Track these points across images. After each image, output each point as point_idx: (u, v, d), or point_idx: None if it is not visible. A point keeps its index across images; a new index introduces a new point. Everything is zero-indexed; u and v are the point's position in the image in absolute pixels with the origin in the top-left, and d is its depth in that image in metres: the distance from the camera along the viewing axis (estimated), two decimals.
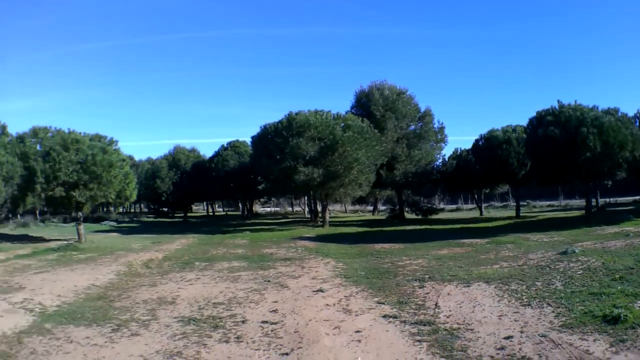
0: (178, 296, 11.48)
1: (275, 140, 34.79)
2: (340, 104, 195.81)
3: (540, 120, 29.87)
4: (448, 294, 10.63)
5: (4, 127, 25.61)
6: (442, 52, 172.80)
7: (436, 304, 9.79)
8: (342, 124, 35.02)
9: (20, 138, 26.73)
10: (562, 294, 9.54)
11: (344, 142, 33.33)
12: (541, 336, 7.33)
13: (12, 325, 8.99)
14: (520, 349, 6.90)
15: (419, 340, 7.55)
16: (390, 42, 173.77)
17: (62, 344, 7.86)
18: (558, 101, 29.73)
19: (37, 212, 52.33)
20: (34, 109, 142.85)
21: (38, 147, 26.42)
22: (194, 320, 9.03)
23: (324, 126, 33.94)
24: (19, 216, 45.32)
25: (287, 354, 7.05)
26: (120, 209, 71.17)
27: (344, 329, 8.33)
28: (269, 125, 36.96)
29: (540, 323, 8.00)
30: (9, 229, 39.47)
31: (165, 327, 8.69)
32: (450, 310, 9.28)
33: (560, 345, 6.89)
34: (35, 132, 26.73)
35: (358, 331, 8.17)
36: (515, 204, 44.72)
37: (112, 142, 28.08)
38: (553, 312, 8.49)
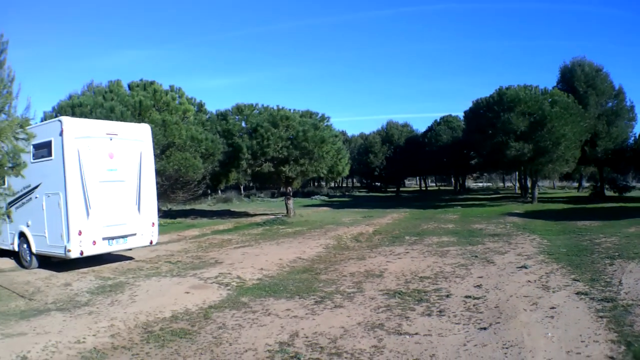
0: (386, 269, 11.31)
1: (487, 115, 35.40)
2: (540, 78, 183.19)
3: None
4: (630, 271, 10.37)
5: (200, 105, 26.69)
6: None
7: (620, 281, 9.52)
8: (549, 99, 34.06)
9: (222, 115, 27.67)
10: None
11: (552, 117, 32.39)
12: None
13: (199, 301, 9.08)
14: None
15: (601, 317, 7.34)
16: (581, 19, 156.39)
17: (258, 317, 7.83)
18: None
19: (242, 187, 54.88)
20: (232, 86, 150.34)
21: (242, 124, 27.19)
22: (399, 294, 8.88)
23: (532, 101, 33.56)
24: (219, 192, 47.23)
25: (485, 328, 6.89)
26: (332, 184, 73.07)
27: (540, 305, 8.11)
28: (480, 100, 37.80)
29: None
30: (207, 204, 41.23)
31: (370, 299, 8.57)
32: (629, 287, 9.01)
33: None
34: (239, 109, 27.53)
35: (552, 307, 7.97)
36: None
37: (323, 118, 28.41)
38: None
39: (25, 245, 13.09)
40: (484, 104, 36.72)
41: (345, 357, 5.93)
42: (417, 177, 74.98)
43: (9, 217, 11.03)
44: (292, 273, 11.50)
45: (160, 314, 8.26)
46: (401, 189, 63.99)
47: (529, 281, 9.92)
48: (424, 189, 71.55)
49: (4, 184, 10.90)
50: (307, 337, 6.74)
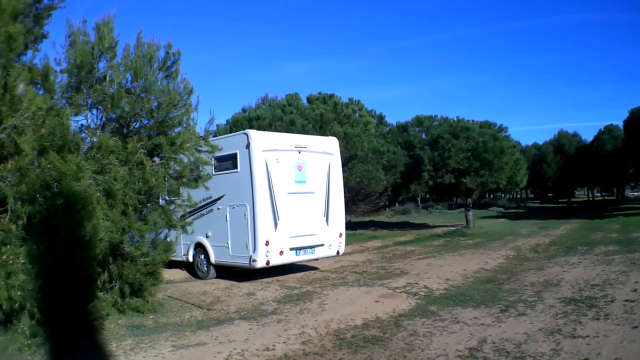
0: (562, 279, 11.00)
1: None
2: None
3: None
4: None
5: (381, 117, 26.44)
6: None
7: None
8: None
9: (403, 127, 27.31)
10: None
11: None
12: None
13: (389, 309, 8.72)
14: None
15: None
16: None
17: (447, 325, 7.60)
18: None
19: (418, 199, 53.92)
20: (406, 97, 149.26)
21: (422, 136, 26.52)
22: (573, 301, 8.79)
23: None
24: (396, 204, 46.15)
25: (636, 327, 7.03)
26: (506, 195, 70.20)
27: None
28: (635, 110, 35.45)
29: None
30: (385, 216, 40.78)
31: (549, 307, 8.45)
32: None
33: None
34: (419, 121, 26.95)
35: None
36: None
37: (501, 128, 27.14)
38: None
39: (202, 256, 12.78)
40: (637, 113, 34.00)
41: None
42: (585, 187, 69.59)
43: (184, 228, 10.52)
44: (476, 283, 11.08)
45: (351, 322, 7.97)
46: (571, 199, 59.59)
47: None
48: (591, 198, 67.05)
49: (180, 195, 10.33)
50: (494, 343, 6.63)
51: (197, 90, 9.84)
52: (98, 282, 7.98)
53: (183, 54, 9.69)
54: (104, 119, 8.71)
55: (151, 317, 8.60)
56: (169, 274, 12.20)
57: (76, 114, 8.15)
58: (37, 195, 6.03)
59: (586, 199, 69.33)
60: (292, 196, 11.91)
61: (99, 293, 8.08)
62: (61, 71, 8.20)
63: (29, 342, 6.27)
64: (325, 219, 12.66)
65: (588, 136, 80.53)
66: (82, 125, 8.72)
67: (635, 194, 72.53)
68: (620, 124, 42.79)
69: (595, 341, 6.50)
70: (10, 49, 5.95)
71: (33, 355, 6.28)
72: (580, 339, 6.61)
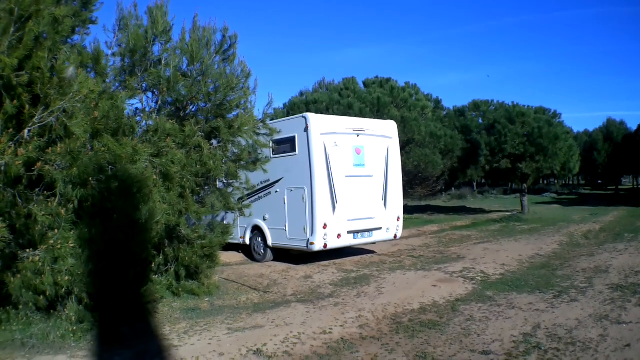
0: (610, 265, 11.03)
1: None
2: None
3: None
4: None
5: (438, 102, 26.26)
6: None
7: None
8: None
9: (460, 112, 26.91)
10: None
11: None
12: None
13: (446, 294, 8.67)
14: None
15: None
16: None
17: (503, 310, 7.57)
18: None
19: (474, 184, 53.13)
20: (463, 83, 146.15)
21: (479, 121, 26.08)
22: (620, 287, 8.81)
23: None
24: (453, 188, 45.30)
25: None
26: (559, 181, 68.62)
27: None
28: None
29: None
30: (442, 201, 40.35)
31: (599, 293, 8.48)
32: None
33: None
34: (476, 106, 26.51)
35: None
36: None
37: (555, 114, 26.50)
38: None
39: (259, 239, 12.62)
40: None
41: (579, 346, 5.90)
42: (631, 176, 68.47)
43: (242, 211, 10.30)
44: (531, 269, 10.96)
45: (408, 306, 7.94)
46: (618, 187, 58.30)
47: None
48: (636, 186, 65.21)
49: (238, 178, 10.09)
50: (547, 329, 6.62)
51: (255, 74, 9.55)
52: (153, 265, 7.80)
53: (240, 38, 9.44)
54: (159, 102, 8.47)
55: (207, 299, 8.43)
56: (225, 256, 12.18)
57: (130, 98, 7.90)
58: (90, 179, 5.81)
59: (632, 186, 68.43)
60: (351, 179, 11.69)
61: (154, 276, 7.91)
62: (113, 54, 8.05)
63: (74, 328, 6.07)
64: (383, 202, 12.41)
65: (633, 125, 77.75)
66: (137, 108, 8.58)
67: None
68: None
69: (637, 327, 6.56)
70: (56, 32, 5.72)
71: (78, 341, 6.08)
72: (624, 325, 6.66)
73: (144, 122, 7.90)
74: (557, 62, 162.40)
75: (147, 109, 8.45)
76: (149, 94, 8.60)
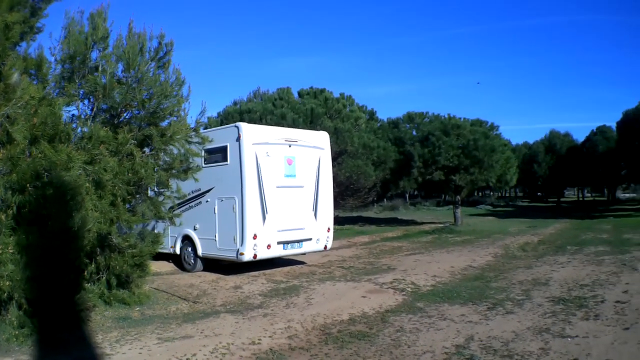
0: (551, 278, 11.10)
1: (636, 127, 33.15)
2: None
3: None
4: None
5: (372, 113, 26.63)
6: None
7: None
8: None
9: (394, 123, 27.18)
10: None
11: None
12: None
13: (376, 305, 8.78)
14: None
15: None
16: None
17: (434, 321, 7.67)
18: None
19: (407, 195, 54.10)
20: (398, 95, 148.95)
21: (413, 132, 26.44)
22: (562, 300, 8.86)
23: None
24: (385, 200, 46.24)
25: (627, 328, 7.10)
26: (495, 193, 70.88)
27: None
28: (629, 111, 35.52)
29: None
30: (373, 212, 40.80)
31: (538, 306, 8.54)
32: None
33: None
34: (410, 117, 26.81)
35: None
36: None
37: (492, 127, 27.05)
38: None
39: (189, 249, 12.79)
40: (632, 114, 34.17)
41: (516, 359, 5.96)
42: (575, 188, 70.95)
43: (172, 220, 10.52)
44: (464, 280, 11.15)
45: (337, 317, 8.06)
46: (561, 199, 60.20)
47: None
48: (581, 199, 67.94)
49: (169, 187, 10.32)
50: (481, 341, 6.67)
51: (189, 82, 9.79)
52: (85, 274, 7.98)
53: (176, 47, 9.67)
54: (95, 109, 8.67)
55: (137, 309, 8.62)
56: (156, 266, 12.14)
57: (68, 104, 8.11)
58: (28, 185, 6.02)
59: (576, 199, 70.07)
60: (281, 190, 11.95)
61: (86, 284, 8.09)
62: (56, 61, 8.18)
63: (17, 332, 6.28)
64: (313, 213, 12.72)
65: (579, 137, 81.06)
66: (73, 115, 8.71)
67: (627, 195, 72.72)
68: (613, 125, 43.17)
69: (585, 341, 6.56)
70: (6, 38, 5.92)
71: (21, 345, 6.30)
72: (569, 339, 6.68)
73: (79, 129, 8.09)
74: (498, 74, 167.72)
75: (82, 116, 8.61)
76: (86, 101, 8.78)
